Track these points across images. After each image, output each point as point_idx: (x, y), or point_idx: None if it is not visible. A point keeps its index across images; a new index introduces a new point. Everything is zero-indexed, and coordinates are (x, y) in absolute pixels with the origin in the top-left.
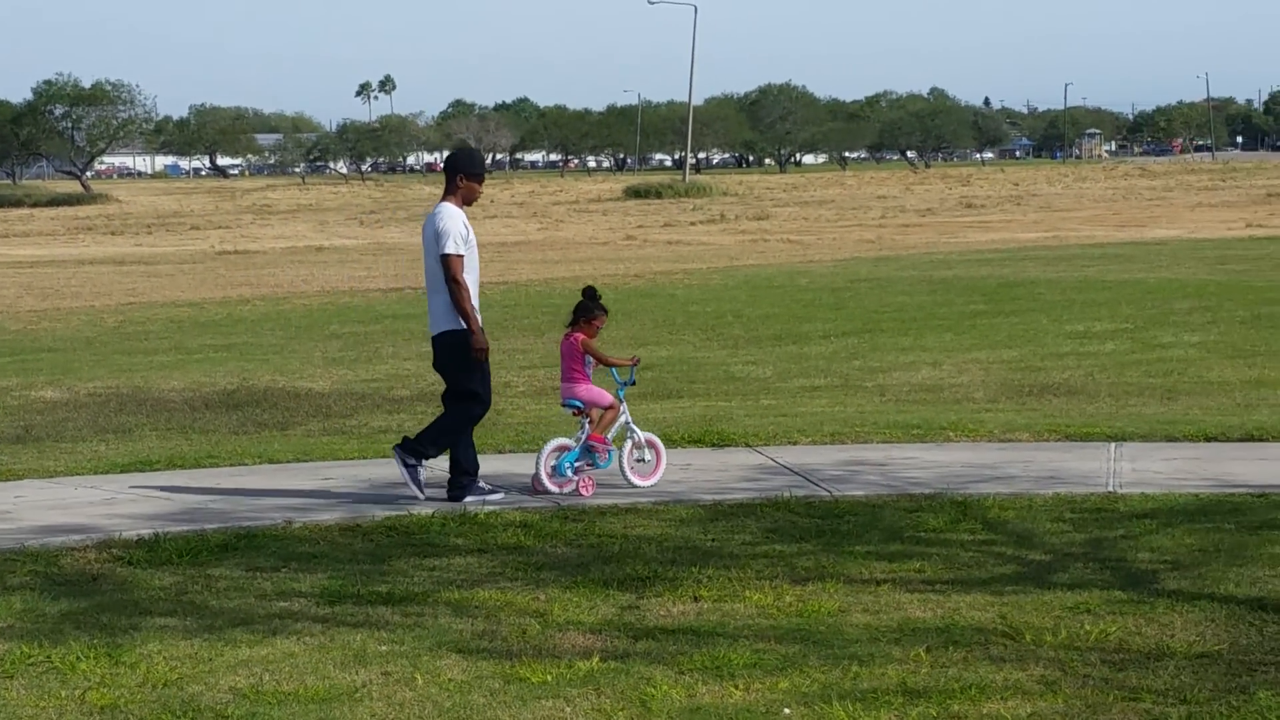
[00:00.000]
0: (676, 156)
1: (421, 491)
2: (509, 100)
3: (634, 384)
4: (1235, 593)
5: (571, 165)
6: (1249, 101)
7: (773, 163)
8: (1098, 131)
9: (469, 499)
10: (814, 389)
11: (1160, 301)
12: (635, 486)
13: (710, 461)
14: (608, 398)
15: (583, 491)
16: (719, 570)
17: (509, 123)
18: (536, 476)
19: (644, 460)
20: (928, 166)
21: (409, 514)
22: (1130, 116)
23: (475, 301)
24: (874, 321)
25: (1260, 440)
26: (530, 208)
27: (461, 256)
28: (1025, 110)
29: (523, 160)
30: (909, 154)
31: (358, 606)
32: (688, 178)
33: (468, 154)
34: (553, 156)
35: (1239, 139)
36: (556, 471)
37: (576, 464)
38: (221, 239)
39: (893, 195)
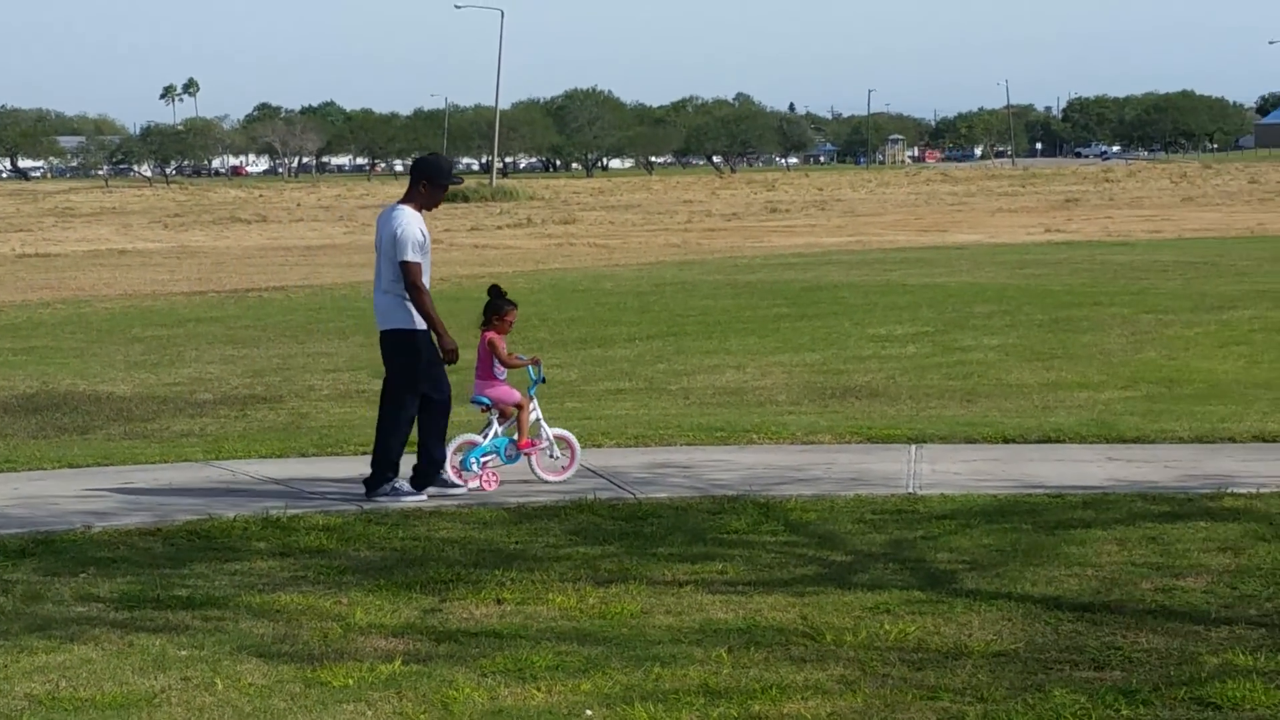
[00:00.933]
0: (484, 161)
1: (484, 486)
2: (315, 104)
3: (544, 381)
4: (1032, 592)
5: (378, 169)
6: (1048, 109)
7: (580, 167)
8: (900, 137)
9: (381, 495)
10: (619, 392)
11: (961, 305)
12: (546, 482)
13: (514, 465)
14: (515, 396)
15: (485, 486)
16: (522, 573)
17: (315, 126)
18: (443, 471)
19: (555, 457)
20: (733, 171)
21: (210, 518)
22: (933, 123)
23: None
24: (679, 325)
25: (1057, 441)
26: (337, 211)
27: (419, 263)
28: (830, 116)
29: (329, 164)
30: (715, 159)
31: (157, 611)
32: (495, 182)
33: (435, 161)
34: (360, 160)
35: (1039, 145)
36: (463, 466)
37: (483, 458)
38: (22, 242)
39: (699, 200)
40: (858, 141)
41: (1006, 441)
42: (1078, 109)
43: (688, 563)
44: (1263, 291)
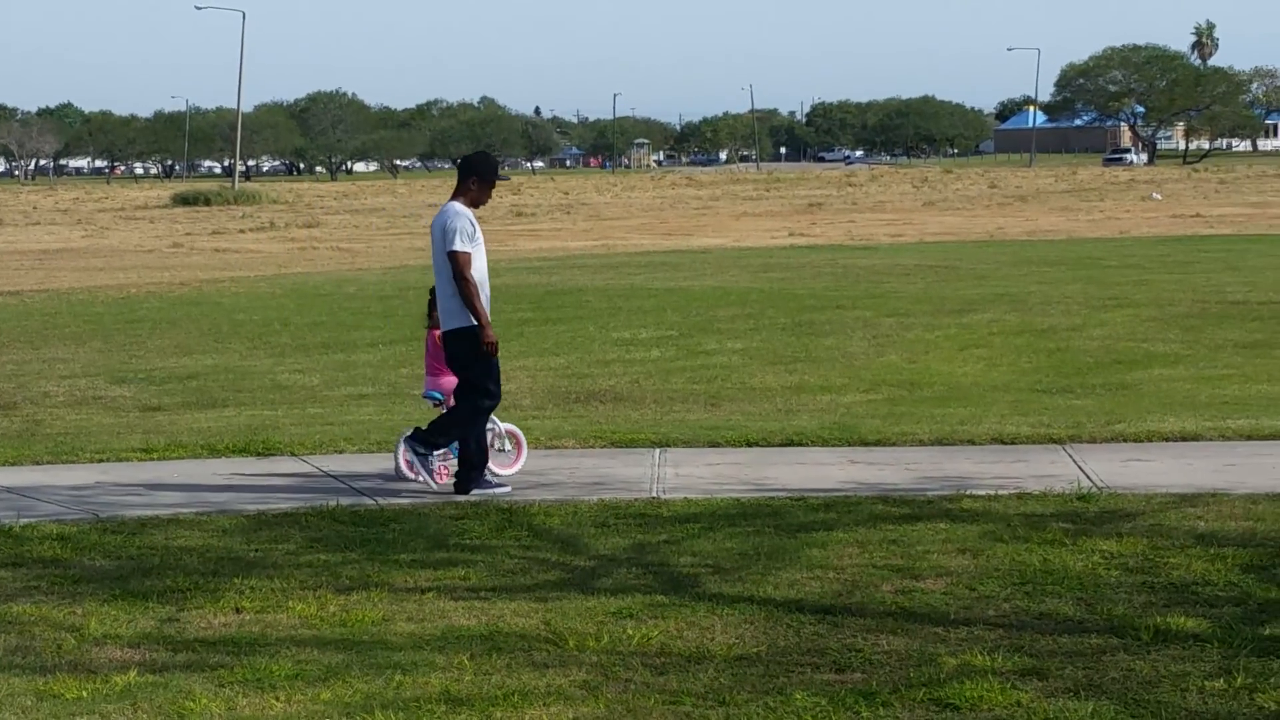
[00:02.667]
0: (226, 164)
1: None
2: (52, 105)
3: None
4: (774, 595)
5: (118, 172)
6: (792, 113)
7: (324, 170)
8: (646, 141)
9: (475, 491)
10: (362, 397)
11: (705, 309)
12: (497, 475)
13: (255, 471)
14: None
15: (438, 479)
16: (262, 581)
17: (52, 128)
18: (396, 465)
19: (504, 450)
20: None
21: None
22: (678, 127)
23: (486, 296)
24: (422, 329)
25: (800, 445)
26: (75, 214)
27: (469, 253)
28: (575, 120)
29: (67, 166)
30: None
31: None
32: (237, 185)
33: (483, 159)
34: (99, 163)
35: (783, 150)
36: (419, 460)
37: (437, 453)
38: None
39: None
40: (603, 145)
41: (750, 445)
42: (821, 114)
43: (430, 569)
44: (1000, 295)
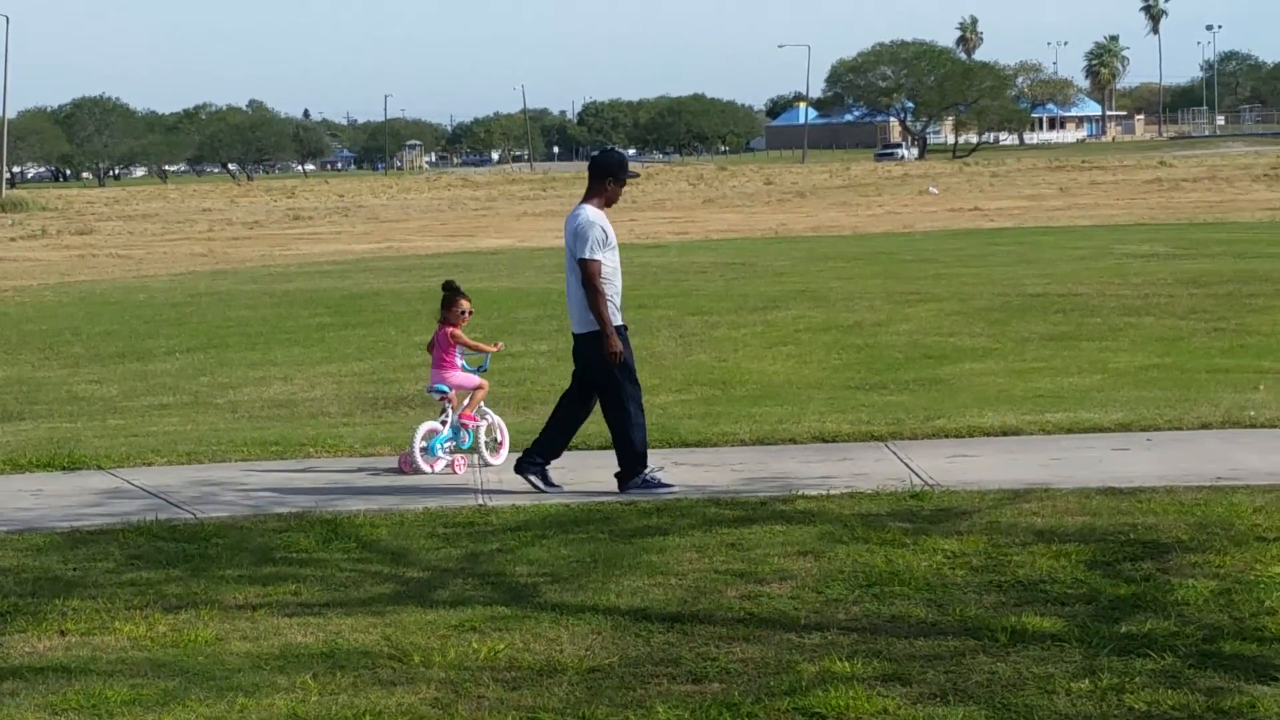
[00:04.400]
0: None
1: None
2: None
3: (486, 370)
4: (618, 603)
5: None
6: (563, 113)
7: (91, 176)
8: (418, 143)
9: (633, 488)
10: (163, 407)
11: (506, 310)
12: (490, 465)
13: (63, 486)
14: (475, 380)
15: (456, 470)
16: (85, 601)
17: None
18: (410, 458)
19: (497, 440)
20: (250, 179)
21: None
22: (450, 128)
23: (618, 302)
24: (219, 337)
25: None
26: None
27: (599, 261)
28: (345, 122)
29: None
30: (230, 166)
31: None
32: (4, 193)
33: (617, 158)
34: None
35: (555, 150)
36: (428, 452)
37: (447, 444)
38: None
39: (218, 208)
40: (375, 148)
41: (572, 448)
42: (593, 113)
43: (258, 584)
44: (801, 291)
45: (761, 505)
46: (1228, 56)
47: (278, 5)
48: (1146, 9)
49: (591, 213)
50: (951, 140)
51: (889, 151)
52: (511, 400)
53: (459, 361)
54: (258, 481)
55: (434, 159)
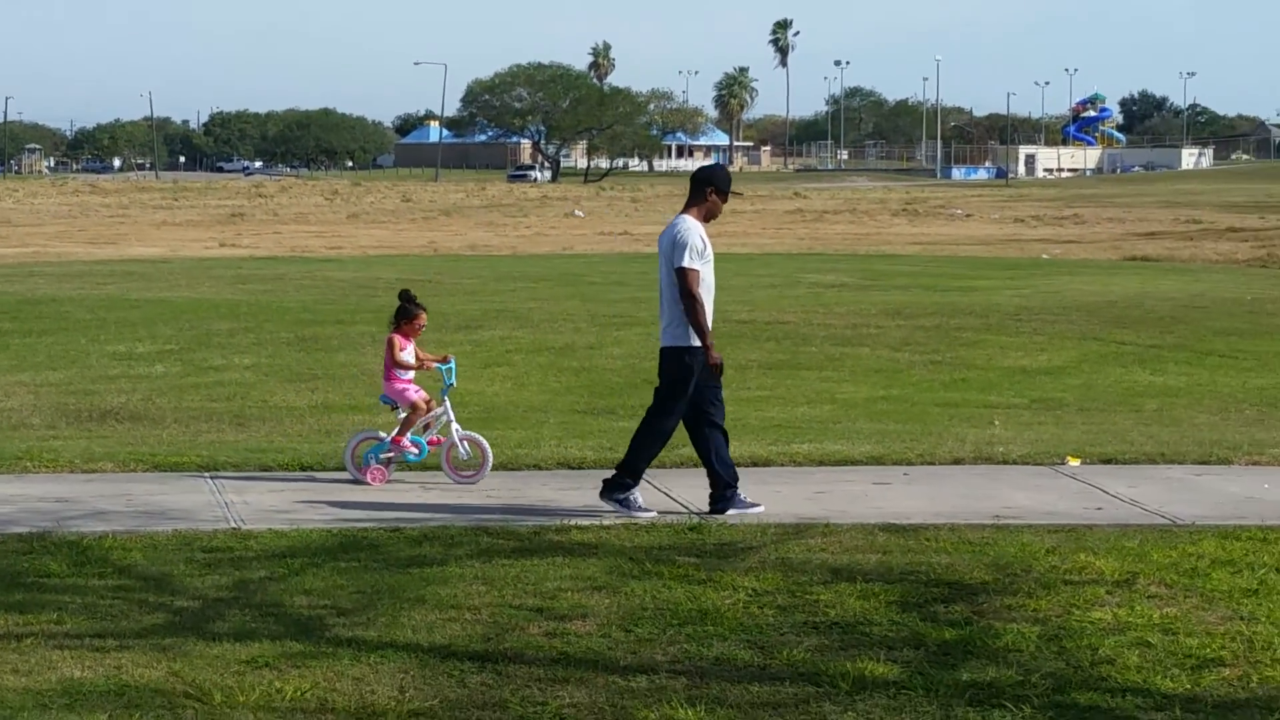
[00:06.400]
0: None
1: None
2: None
3: (453, 385)
4: (416, 639)
5: None
6: (186, 122)
7: None
8: (38, 147)
9: (731, 511)
10: None
11: (197, 322)
12: (458, 483)
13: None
14: (410, 396)
15: (370, 480)
16: None
17: None
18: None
19: (469, 459)
20: None
21: None
22: (70, 134)
23: (710, 314)
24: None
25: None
26: None
27: (698, 271)
28: None
29: None
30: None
31: None
32: None
33: (723, 171)
34: None
35: (181, 158)
36: (363, 461)
37: (383, 456)
38: None
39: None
40: None
41: (304, 469)
42: (220, 123)
43: (15, 612)
44: (501, 311)
45: (535, 535)
46: (853, 92)
47: None
48: (775, 42)
49: (690, 222)
50: (583, 164)
51: (521, 173)
52: (225, 417)
53: (399, 374)
54: None
55: (53, 164)
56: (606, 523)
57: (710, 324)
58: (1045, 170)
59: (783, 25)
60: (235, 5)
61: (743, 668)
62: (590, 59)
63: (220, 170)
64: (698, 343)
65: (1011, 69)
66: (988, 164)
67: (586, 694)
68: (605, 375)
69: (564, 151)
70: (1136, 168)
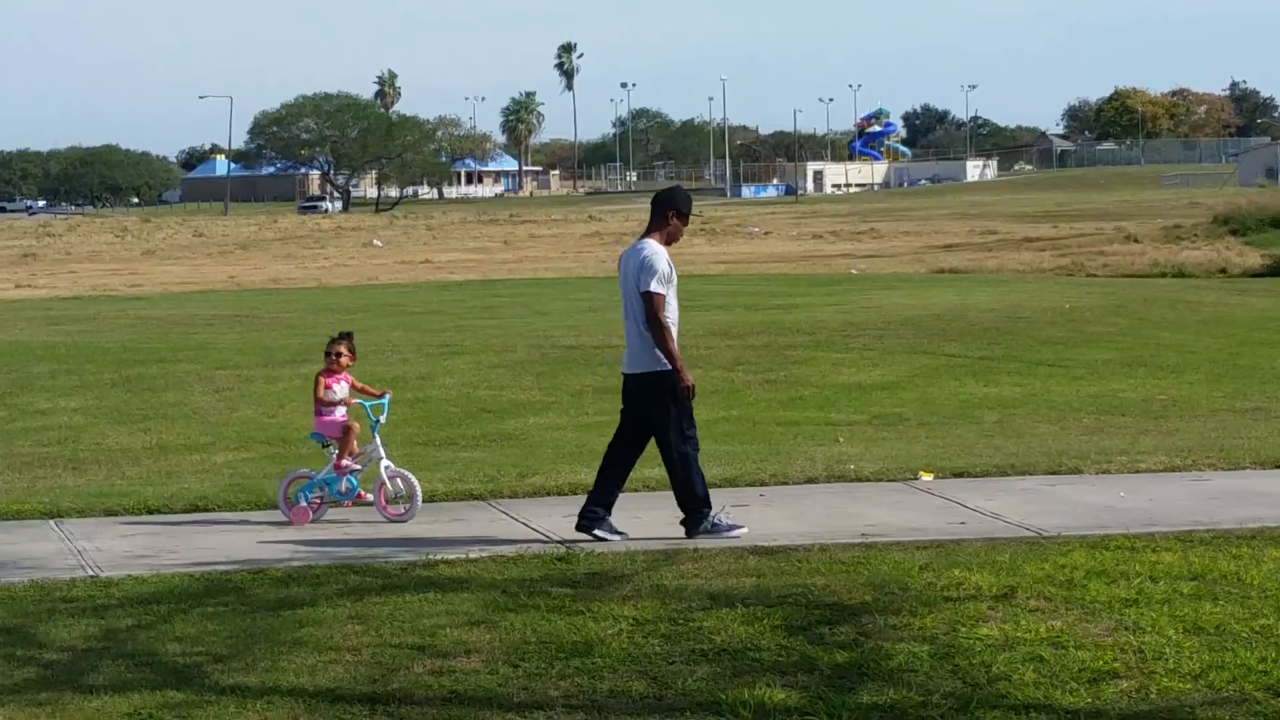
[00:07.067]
0: None
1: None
2: None
3: (381, 423)
4: (300, 684)
5: None
6: None
7: None
8: None
9: (702, 532)
10: None
11: (15, 365)
12: (391, 521)
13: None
14: (340, 423)
15: (294, 519)
16: None
17: None
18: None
19: (400, 496)
20: None
21: None
22: None
23: (674, 337)
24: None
25: (206, 509)
26: None
27: (663, 295)
28: None
29: None
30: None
31: None
32: None
33: (683, 194)
34: None
35: None
36: (294, 501)
37: (311, 495)
38: None
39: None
40: None
41: (151, 512)
42: (1, 163)
43: None
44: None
45: (403, 571)
46: (640, 114)
47: None
48: (560, 66)
49: (655, 246)
50: (374, 194)
51: (312, 204)
52: (59, 461)
53: (323, 411)
54: None
55: None
56: (473, 556)
57: (677, 348)
58: (834, 186)
59: (567, 49)
60: (9, 41)
61: (638, 699)
62: (376, 87)
63: (3, 210)
64: (667, 366)
65: (796, 86)
66: (776, 181)
67: None
68: (442, 406)
69: (354, 181)
70: (923, 181)
